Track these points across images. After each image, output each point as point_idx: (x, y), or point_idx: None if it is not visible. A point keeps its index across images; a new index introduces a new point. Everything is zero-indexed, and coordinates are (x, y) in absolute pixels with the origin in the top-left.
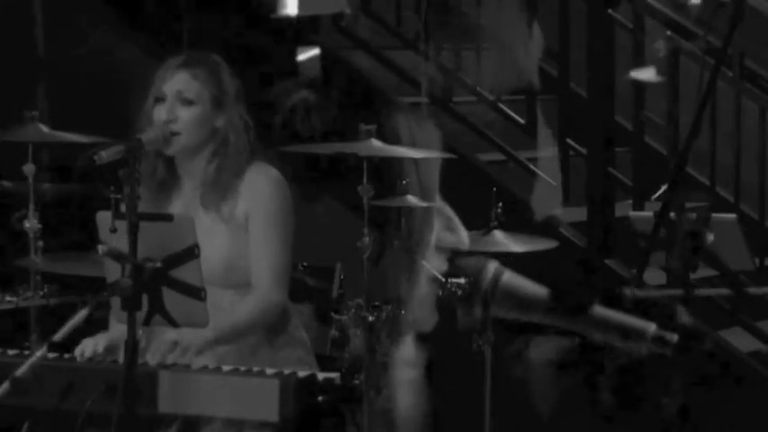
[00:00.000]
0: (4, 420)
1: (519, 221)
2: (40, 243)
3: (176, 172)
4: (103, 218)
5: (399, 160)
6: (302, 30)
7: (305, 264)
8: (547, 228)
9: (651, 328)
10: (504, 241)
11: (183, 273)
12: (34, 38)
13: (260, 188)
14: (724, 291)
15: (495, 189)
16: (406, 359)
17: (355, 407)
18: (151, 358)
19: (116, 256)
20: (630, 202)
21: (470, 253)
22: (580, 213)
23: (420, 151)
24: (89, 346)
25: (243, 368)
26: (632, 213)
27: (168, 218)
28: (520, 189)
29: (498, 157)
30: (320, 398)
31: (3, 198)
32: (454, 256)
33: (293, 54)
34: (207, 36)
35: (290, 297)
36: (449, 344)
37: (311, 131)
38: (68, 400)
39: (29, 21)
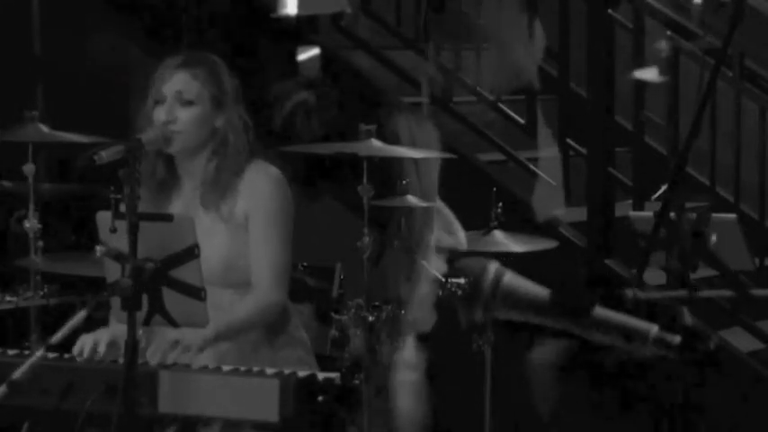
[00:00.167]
0: (4, 420)
1: (519, 221)
2: (40, 243)
3: (176, 172)
4: (103, 218)
5: (399, 160)
6: (302, 29)
7: (305, 264)
8: (547, 228)
9: (653, 329)
10: (504, 241)
11: (183, 273)
12: (33, 38)
13: (260, 187)
14: (728, 293)
15: (495, 189)
16: (407, 361)
17: (355, 407)
18: (151, 358)
19: (115, 256)
20: (630, 202)
21: (471, 254)
22: (580, 213)
23: (420, 151)
24: (88, 343)
25: (243, 368)
26: (632, 213)
27: (168, 218)
28: (520, 189)
29: (498, 157)
30: (320, 398)
31: (3, 198)
32: (454, 257)
33: (293, 54)
34: (206, 36)
35: (290, 297)
36: (449, 344)
37: (311, 133)
38: (68, 400)
39: (28, 20)
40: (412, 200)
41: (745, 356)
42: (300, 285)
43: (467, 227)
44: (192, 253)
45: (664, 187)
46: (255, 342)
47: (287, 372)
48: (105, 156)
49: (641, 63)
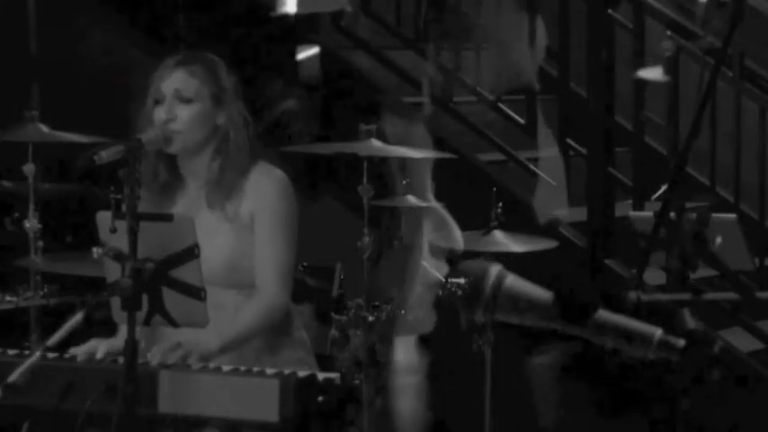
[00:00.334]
0: (4, 420)
1: (519, 221)
2: (40, 243)
3: (179, 172)
4: (103, 218)
5: (396, 160)
6: (301, 28)
7: (305, 264)
8: (547, 228)
9: (657, 332)
10: (504, 241)
11: (183, 273)
12: (29, 37)
13: (266, 189)
14: (732, 295)
15: (495, 189)
16: (408, 365)
17: (355, 407)
18: (152, 359)
19: (115, 256)
20: (630, 202)
21: (472, 255)
22: (580, 213)
23: (419, 151)
24: (102, 350)
25: (243, 368)
26: (632, 213)
27: (168, 218)
28: (520, 189)
29: (498, 157)
30: (320, 398)
31: (3, 198)
32: (455, 258)
33: (293, 53)
34: (206, 35)
35: (291, 297)
36: (449, 344)
37: (298, 139)
38: (68, 400)
39: (24, 20)
40: (412, 200)
41: (746, 356)
42: (300, 285)
43: (466, 227)
44: (192, 253)
45: (664, 187)
46: (258, 349)
47: (287, 372)
48: (105, 156)
49: (641, 63)
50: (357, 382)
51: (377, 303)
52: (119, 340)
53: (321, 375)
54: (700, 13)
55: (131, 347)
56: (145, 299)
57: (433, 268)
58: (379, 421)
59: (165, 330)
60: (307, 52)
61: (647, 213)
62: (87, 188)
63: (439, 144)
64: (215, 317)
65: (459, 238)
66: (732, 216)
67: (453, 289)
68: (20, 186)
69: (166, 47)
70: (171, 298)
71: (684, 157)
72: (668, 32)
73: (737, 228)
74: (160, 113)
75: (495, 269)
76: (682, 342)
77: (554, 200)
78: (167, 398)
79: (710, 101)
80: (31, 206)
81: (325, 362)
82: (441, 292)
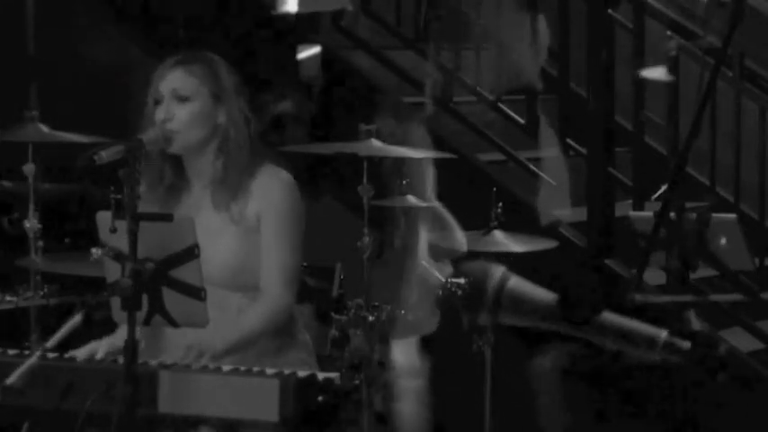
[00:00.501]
0: (4, 420)
1: (519, 221)
2: (40, 243)
3: (184, 173)
4: (103, 218)
5: (390, 160)
6: (302, 28)
7: (305, 264)
8: (547, 228)
9: (662, 334)
10: (504, 241)
11: (183, 273)
12: (28, 38)
13: (272, 191)
14: (738, 297)
15: (495, 189)
16: (410, 367)
17: (355, 407)
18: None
19: (115, 256)
20: (630, 202)
21: (475, 256)
22: (580, 213)
23: (419, 151)
24: (102, 351)
25: (243, 368)
26: (632, 213)
27: (168, 218)
28: (520, 189)
29: (498, 157)
30: (320, 398)
31: (3, 198)
32: (458, 259)
33: (293, 53)
34: (206, 35)
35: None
36: (449, 344)
37: (292, 142)
38: (68, 400)
39: (22, 20)
40: (412, 200)
41: (747, 357)
42: (300, 285)
43: (467, 227)
44: (191, 253)
45: (664, 187)
46: (262, 351)
47: (287, 372)
48: (105, 156)
49: (641, 63)
50: (357, 382)
51: (377, 303)
52: (118, 340)
53: (321, 375)
54: (700, 13)
55: (131, 347)
56: (145, 299)
57: (433, 268)
58: (378, 422)
59: (168, 332)
60: (307, 52)
61: (647, 213)
62: (87, 188)
63: (439, 144)
64: (219, 319)
65: (460, 239)
66: (732, 216)
67: (453, 289)
68: (20, 186)
69: (167, 47)
70: (171, 298)
71: (684, 157)
72: (668, 32)
73: (738, 228)
74: (160, 113)
75: (497, 271)
76: (687, 344)
77: (556, 200)
78: (167, 398)
79: (710, 101)
80: (31, 206)
81: (325, 362)
82: (441, 293)
